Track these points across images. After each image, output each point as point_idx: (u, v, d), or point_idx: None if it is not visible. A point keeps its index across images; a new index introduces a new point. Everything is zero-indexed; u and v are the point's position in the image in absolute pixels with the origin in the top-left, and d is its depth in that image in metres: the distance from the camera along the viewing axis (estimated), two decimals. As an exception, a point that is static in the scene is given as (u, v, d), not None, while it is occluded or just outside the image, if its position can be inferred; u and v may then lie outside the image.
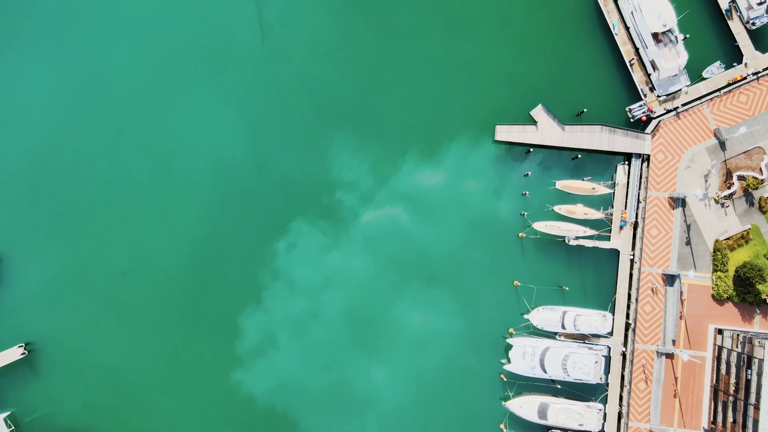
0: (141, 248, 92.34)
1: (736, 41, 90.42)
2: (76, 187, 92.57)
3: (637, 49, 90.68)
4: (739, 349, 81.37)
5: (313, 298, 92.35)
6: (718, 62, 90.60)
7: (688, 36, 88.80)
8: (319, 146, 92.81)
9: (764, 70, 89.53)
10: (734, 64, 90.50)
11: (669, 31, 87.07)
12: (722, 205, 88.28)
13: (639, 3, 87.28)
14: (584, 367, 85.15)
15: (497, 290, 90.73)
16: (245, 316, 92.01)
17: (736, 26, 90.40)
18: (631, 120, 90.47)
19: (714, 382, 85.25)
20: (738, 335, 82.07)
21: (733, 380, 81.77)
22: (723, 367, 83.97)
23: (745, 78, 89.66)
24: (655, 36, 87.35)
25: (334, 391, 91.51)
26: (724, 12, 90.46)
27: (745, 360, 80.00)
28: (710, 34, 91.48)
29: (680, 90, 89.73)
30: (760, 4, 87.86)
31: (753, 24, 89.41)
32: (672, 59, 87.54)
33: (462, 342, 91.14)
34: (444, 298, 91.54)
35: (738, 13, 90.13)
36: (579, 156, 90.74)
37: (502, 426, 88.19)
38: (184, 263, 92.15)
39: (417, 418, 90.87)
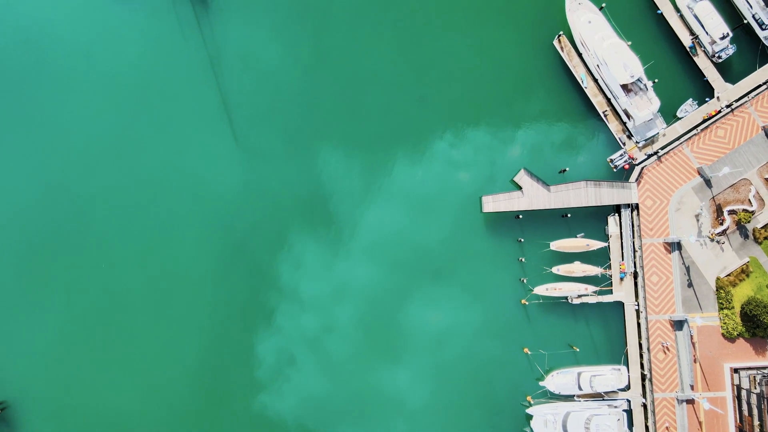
0: (145, 293, 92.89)
1: (704, 76, 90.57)
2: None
3: (609, 100, 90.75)
4: (758, 391, 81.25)
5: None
6: (690, 100, 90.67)
7: (656, 81, 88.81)
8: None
9: (737, 101, 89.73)
10: (706, 99, 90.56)
11: (638, 80, 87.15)
12: (717, 242, 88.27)
13: (603, 57, 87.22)
14: (607, 428, 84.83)
15: (508, 360, 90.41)
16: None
17: (702, 62, 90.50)
18: (614, 170, 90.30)
19: (738, 422, 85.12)
20: (755, 377, 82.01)
21: (756, 422, 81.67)
22: (745, 407, 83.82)
23: (719, 112, 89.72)
24: (624, 87, 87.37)
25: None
26: (688, 49, 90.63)
27: (766, 401, 79.86)
28: (678, 73, 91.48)
29: (658, 134, 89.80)
30: (722, 38, 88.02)
31: (719, 57, 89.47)
32: (644, 107, 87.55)
33: (480, 412, 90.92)
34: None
35: (702, 49, 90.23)
36: (569, 215, 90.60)
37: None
38: (188, 298, 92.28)
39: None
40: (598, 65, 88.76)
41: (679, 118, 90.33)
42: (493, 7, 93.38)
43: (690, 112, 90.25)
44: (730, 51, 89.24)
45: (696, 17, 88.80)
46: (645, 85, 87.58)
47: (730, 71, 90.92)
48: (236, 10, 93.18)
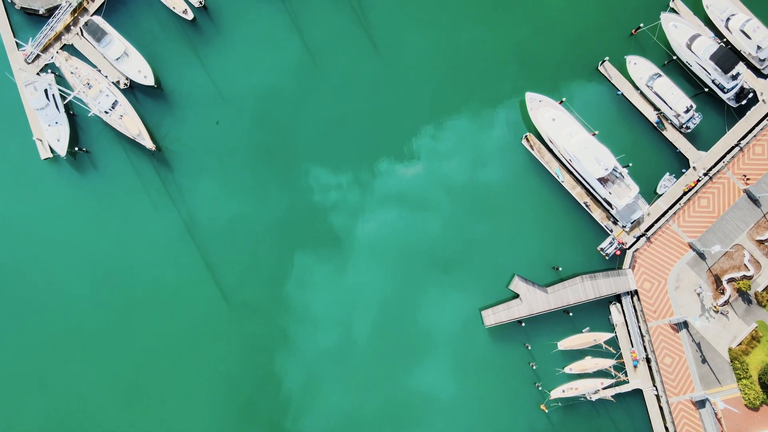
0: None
1: (677, 148, 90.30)
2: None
3: (587, 190, 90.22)
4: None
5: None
6: (667, 174, 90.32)
7: (630, 165, 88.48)
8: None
9: (714, 167, 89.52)
10: (683, 170, 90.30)
11: (612, 170, 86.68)
12: (722, 313, 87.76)
13: (573, 153, 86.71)
14: None
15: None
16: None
17: (671, 134, 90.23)
18: (607, 258, 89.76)
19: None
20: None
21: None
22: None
23: (698, 181, 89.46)
24: (600, 179, 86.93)
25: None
26: (654, 124, 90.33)
27: (804, 475, 79.29)
28: (650, 150, 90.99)
29: (642, 215, 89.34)
30: (686, 111, 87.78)
31: (687, 128, 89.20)
32: (624, 194, 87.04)
33: None
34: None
35: (669, 122, 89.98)
36: (571, 313, 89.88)
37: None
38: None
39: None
40: (570, 161, 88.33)
41: (660, 195, 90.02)
42: (461, 113, 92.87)
43: (669, 186, 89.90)
44: (697, 120, 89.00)
45: (657, 94, 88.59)
46: (620, 173, 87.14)
47: (700, 138, 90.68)
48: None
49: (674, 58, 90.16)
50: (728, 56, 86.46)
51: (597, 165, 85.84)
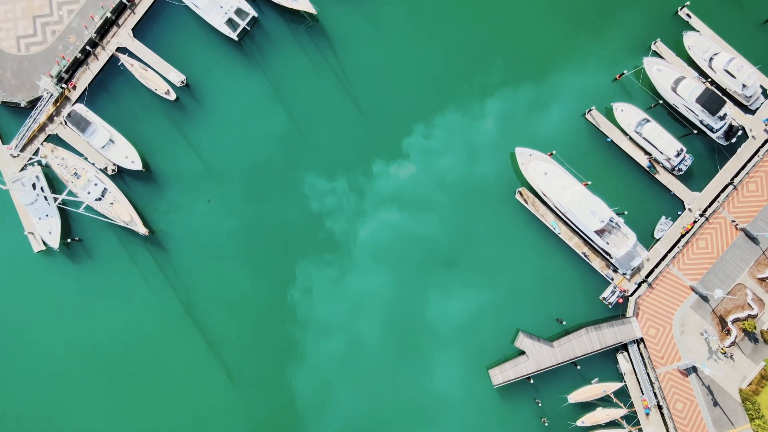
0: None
1: (670, 191, 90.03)
2: None
3: (585, 240, 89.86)
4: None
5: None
6: (663, 218, 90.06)
7: (626, 213, 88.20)
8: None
9: (709, 207, 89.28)
10: (678, 213, 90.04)
11: (608, 221, 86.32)
12: (730, 354, 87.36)
13: (568, 206, 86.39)
14: None
15: None
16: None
17: (664, 177, 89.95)
18: (610, 306, 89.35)
19: None
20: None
21: None
22: None
23: (695, 222, 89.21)
24: (597, 230, 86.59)
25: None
26: (647, 169, 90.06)
27: None
28: (644, 195, 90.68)
29: (642, 261, 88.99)
30: (677, 155, 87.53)
31: (680, 170, 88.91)
32: (622, 244, 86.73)
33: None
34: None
35: (660, 165, 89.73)
36: (579, 366, 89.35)
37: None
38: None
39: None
40: (565, 213, 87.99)
41: (658, 239, 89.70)
42: (452, 177, 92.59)
43: (666, 230, 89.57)
44: (689, 161, 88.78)
45: (646, 140, 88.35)
46: (616, 222, 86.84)
47: (693, 179, 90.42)
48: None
49: (660, 102, 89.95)
50: (714, 98, 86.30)
51: (592, 218, 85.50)
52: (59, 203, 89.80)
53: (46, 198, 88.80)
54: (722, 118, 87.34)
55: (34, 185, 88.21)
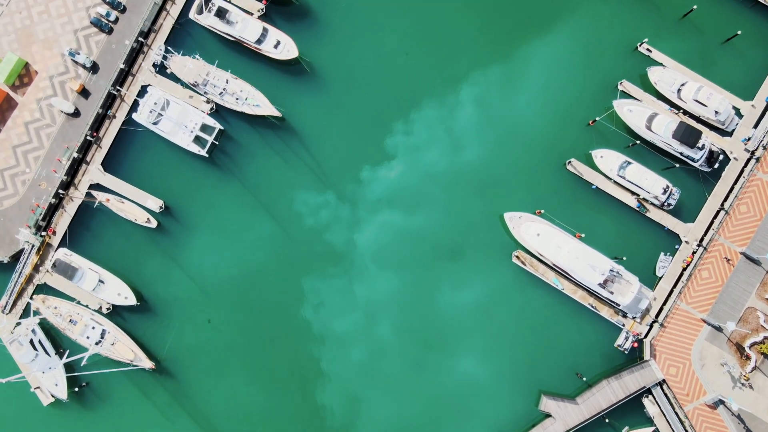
0: None
1: (664, 226, 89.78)
2: None
3: (590, 291, 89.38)
4: None
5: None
6: (662, 254, 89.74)
7: (624, 258, 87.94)
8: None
9: (704, 236, 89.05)
10: (676, 246, 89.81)
11: (609, 271, 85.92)
12: (752, 381, 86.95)
13: (567, 265, 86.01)
14: None
15: None
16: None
17: (655, 214, 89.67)
18: (626, 352, 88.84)
19: None
20: None
21: None
22: None
23: (694, 253, 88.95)
24: (603, 282, 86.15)
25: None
26: (637, 209, 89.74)
27: None
28: (639, 234, 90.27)
29: (649, 302, 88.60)
30: (664, 192, 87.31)
31: (669, 205, 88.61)
32: (626, 290, 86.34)
33: None
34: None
35: (649, 203, 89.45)
36: (607, 419, 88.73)
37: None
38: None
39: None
40: (565, 272, 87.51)
41: (661, 277, 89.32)
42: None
43: (667, 266, 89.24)
44: (677, 195, 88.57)
45: (631, 182, 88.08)
46: (617, 271, 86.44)
47: (684, 210, 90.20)
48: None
49: (638, 142, 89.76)
50: (690, 132, 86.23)
51: (593, 272, 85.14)
52: (59, 349, 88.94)
53: (46, 351, 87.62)
54: (701, 147, 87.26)
55: (32, 341, 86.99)
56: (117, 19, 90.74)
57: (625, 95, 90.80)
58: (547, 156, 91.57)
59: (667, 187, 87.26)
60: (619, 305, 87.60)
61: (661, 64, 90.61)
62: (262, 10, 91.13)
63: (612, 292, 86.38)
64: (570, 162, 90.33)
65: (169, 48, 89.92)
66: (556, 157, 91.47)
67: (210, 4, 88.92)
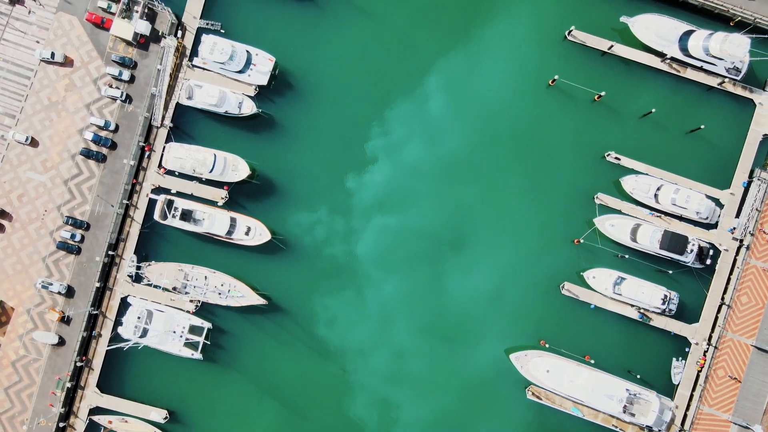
0: None
1: (671, 332, 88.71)
2: None
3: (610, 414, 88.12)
4: None
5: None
6: (674, 360, 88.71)
7: (638, 376, 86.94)
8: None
9: (712, 333, 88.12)
10: (687, 349, 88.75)
11: (627, 394, 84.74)
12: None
13: (583, 398, 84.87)
14: None
15: None
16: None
17: (659, 321, 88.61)
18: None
19: None
20: None
21: None
22: None
23: (706, 352, 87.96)
24: (622, 408, 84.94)
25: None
26: (640, 320, 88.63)
27: None
28: (647, 346, 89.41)
29: (672, 413, 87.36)
30: (663, 302, 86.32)
31: (671, 311, 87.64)
32: (646, 410, 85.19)
33: None
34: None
35: (651, 312, 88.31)
36: None
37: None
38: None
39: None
40: (582, 402, 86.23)
41: (678, 384, 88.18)
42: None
43: (682, 371, 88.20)
44: (676, 300, 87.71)
45: (628, 298, 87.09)
46: (634, 393, 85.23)
47: (686, 311, 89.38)
48: None
49: (626, 256, 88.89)
50: (676, 240, 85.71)
51: (611, 402, 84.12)
52: None
53: None
54: (690, 250, 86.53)
55: None
56: (83, 237, 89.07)
57: (604, 208, 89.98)
58: (539, 282, 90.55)
59: (665, 296, 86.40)
60: (643, 426, 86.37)
61: (632, 170, 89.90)
62: (225, 197, 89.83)
63: (633, 414, 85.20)
64: (564, 286, 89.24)
65: (140, 265, 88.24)
66: (548, 283, 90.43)
67: (173, 209, 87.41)
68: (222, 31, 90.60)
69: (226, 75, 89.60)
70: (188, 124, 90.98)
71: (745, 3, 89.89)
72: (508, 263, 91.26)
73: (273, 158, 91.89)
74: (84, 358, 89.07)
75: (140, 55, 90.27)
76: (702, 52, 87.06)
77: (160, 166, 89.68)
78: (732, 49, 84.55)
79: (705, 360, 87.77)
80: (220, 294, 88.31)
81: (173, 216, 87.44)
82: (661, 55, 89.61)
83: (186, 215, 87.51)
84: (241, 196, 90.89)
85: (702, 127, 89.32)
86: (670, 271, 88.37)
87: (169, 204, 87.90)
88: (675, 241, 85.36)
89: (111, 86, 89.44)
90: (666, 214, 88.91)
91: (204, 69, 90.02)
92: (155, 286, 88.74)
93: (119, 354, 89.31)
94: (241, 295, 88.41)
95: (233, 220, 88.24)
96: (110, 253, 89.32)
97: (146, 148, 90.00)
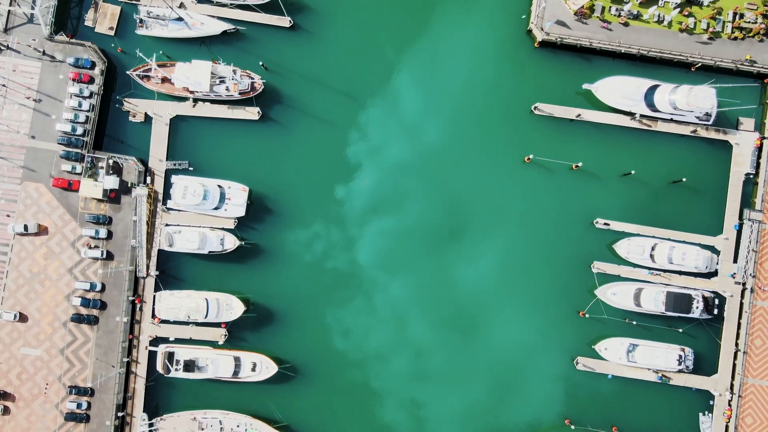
0: None
1: (692, 388, 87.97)
2: None
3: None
4: None
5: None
6: (700, 414, 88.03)
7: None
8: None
9: (733, 382, 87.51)
10: (711, 402, 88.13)
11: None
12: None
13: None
14: None
15: None
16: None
17: (679, 379, 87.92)
18: None
19: None
20: None
21: None
22: None
23: (730, 401, 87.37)
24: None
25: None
26: (659, 381, 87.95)
27: None
28: (670, 405, 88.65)
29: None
30: (679, 362, 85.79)
31: (688, 368, 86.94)
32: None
33: None
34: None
35: (669, 372, 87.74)
36: None
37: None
38: None
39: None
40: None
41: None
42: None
43: (710, 424, 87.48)
44: (691, 356, 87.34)
45: (643, 363, 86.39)
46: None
47: (704, 363, 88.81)
48: None
49: (634, 323, 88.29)
50: (681, 299, 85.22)
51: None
52: None
53: None
54: (696, 306, 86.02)
55: None
56: (89, 404, 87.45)
57: (603, 276, 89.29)
58: (553, 361, 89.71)
59: (680, 355, 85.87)
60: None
61: (623, 233, 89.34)
62: (225, 335, 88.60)
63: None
64: (578, 362, 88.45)
65: (152, 422, 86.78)
66: (562, 360, 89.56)
67: (175, 363, 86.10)
68: (190, 168, 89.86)
69: (203, 213, 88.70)
70: (174, 268, 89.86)
71: (702, 48, 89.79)
72: (516, 343, 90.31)
73: (264, 284, 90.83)
74: None
75: (113, 209, 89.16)
76: (669, 107, 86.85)
77: (153, 316, 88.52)
78: (699, 102, 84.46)
79: (731, 410, 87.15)
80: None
81: (176, 369, 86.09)
82: (629, 114, 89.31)
83: (189, 366, 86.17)
84: (240, 330, 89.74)
85: (684, 179, 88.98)
86: (680, 330, 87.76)
87: (170, 357, 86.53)
88: (679, 301, 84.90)
89: (90, 247, 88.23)
90: (665, 270, 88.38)
91: (180, 210, 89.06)
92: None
93: None
94: (257, 431, 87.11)
95: (237, 360, 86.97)
96: (119, 414, 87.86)
97: (137, 301, 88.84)
